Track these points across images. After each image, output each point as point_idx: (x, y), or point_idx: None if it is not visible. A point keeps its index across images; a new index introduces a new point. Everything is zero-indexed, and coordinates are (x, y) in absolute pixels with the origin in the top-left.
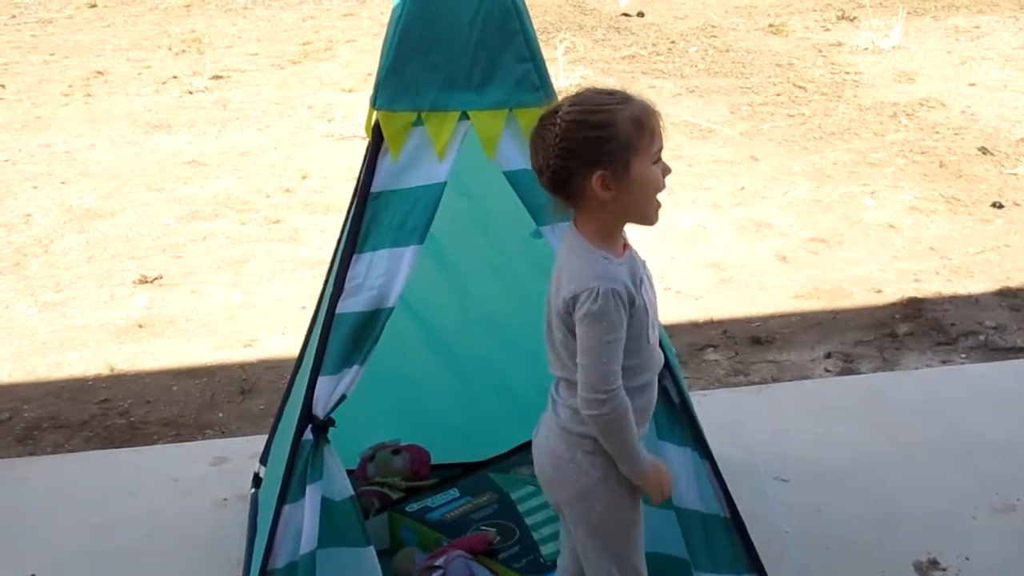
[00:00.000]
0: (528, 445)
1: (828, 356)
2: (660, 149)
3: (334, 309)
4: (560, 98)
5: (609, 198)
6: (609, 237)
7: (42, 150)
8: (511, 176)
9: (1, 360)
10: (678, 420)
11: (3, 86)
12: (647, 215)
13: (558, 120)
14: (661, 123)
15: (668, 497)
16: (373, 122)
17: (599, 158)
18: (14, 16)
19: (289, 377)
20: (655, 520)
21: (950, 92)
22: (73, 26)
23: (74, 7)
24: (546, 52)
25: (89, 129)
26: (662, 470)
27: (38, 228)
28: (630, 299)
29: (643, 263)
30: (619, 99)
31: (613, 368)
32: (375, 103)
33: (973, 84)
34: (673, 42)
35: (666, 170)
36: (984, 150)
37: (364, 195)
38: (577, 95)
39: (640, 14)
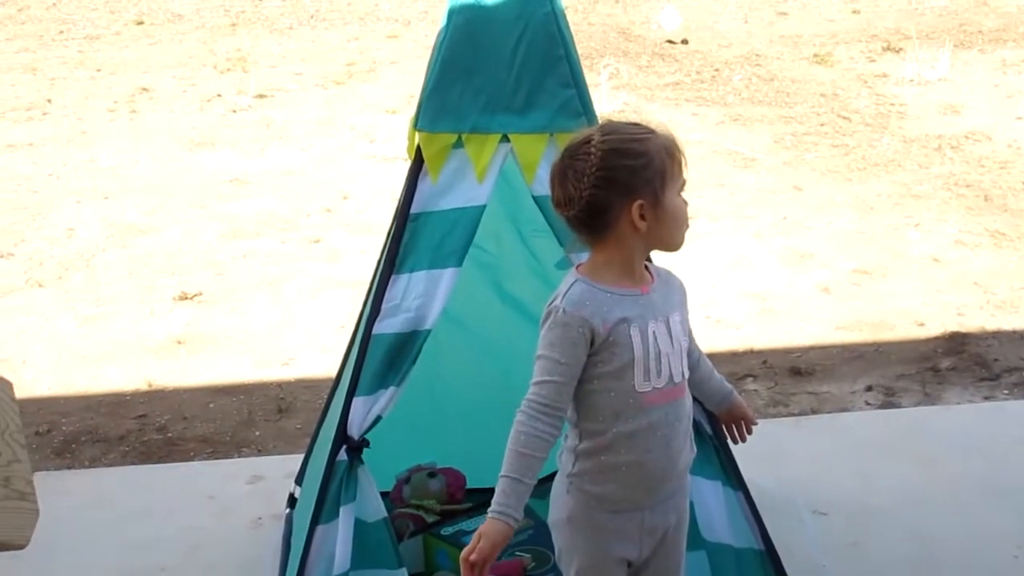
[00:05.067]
0: None
1: (869, 389)
2: (685, 181)
3: (371, 330)
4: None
5: (644, 228)
6: (629, 269)
7: (87, 165)
8: (542, 201)
9: (41, 373)
10: (708, 454)
11: (49, 101)
12: (675, 242)
13: (592, 150)
14: (685, 157)
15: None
16: (415, 144)
17: (637, 187)
18: (62, 32)
19: (326, 397)
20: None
21: (996, 125)
22: (120, 43)
23: (121, 24)
24: (590, 78)
25: (133, 145)
26: (482, 539)
27: (81, 242)
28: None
29: (672, 314)
30: (648, 129)
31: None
32: (416, 124)
33: (1020, 118)
34: (717, 70)
35: (686, 203)
36: None
37: (404, 216)
38: (606, 125)
39: (684, 41)
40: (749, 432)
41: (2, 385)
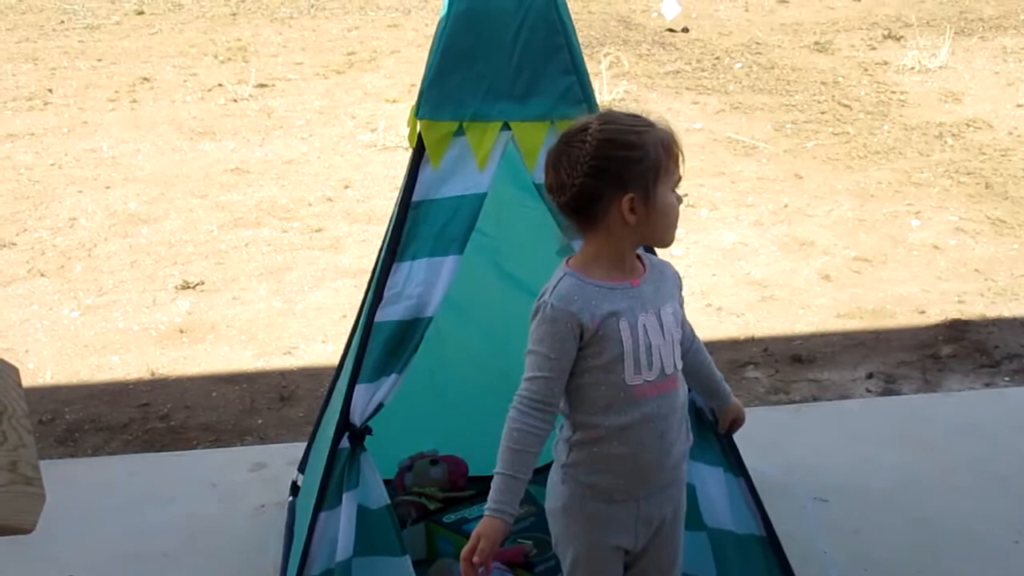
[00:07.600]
0: None
1: (870, 376)
2: (680, 178)
3: (373, 317)
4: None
5: (634, 222)
6: (619, 260)
7: (88, 155)
8: (543, 189)
9: (44, 362)
10: (710, 440)
11: (51, 91)
12: (665, 239)
13: (588, 138)
14: (682, 153)
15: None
16: (416, 132)
17: (630, 179)
18: (62, 22)
19: (328, 385)
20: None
21: (997, 113)
22: (120, 32)
23: (122, 14)
24: (590, 66)
25: (134, 135)
26: (481, 539)
27: (82, 232)
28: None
29: (664, 306)
30: (647, 122)
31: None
32: (418, 112)
33: (1020, 105)
34: (718, 58)
35: (680, 199)
36: None
37: (405, 204)
38: (605, 115)
39: (685, 29)
40: (729, 430)
41: (9, 371)
